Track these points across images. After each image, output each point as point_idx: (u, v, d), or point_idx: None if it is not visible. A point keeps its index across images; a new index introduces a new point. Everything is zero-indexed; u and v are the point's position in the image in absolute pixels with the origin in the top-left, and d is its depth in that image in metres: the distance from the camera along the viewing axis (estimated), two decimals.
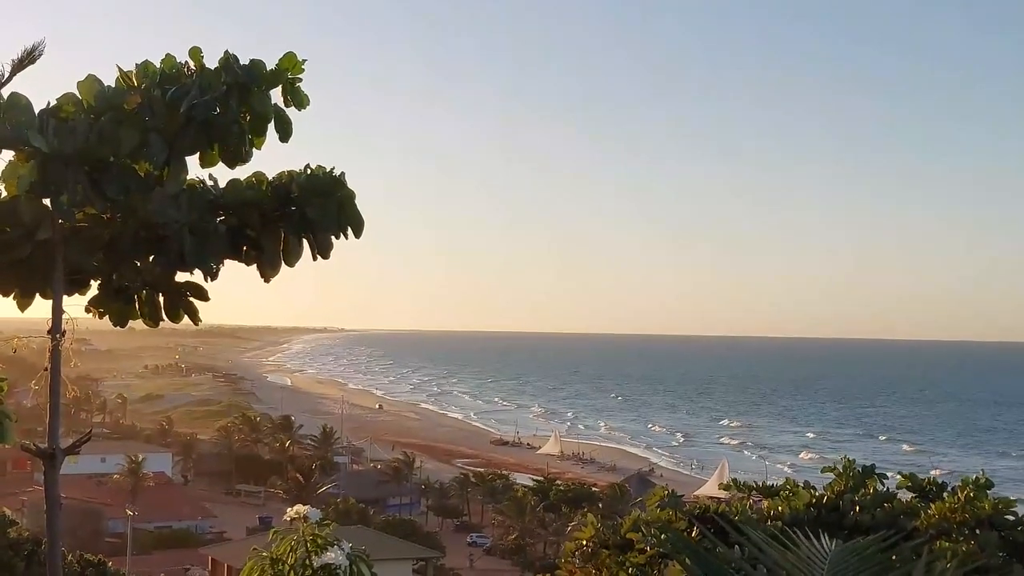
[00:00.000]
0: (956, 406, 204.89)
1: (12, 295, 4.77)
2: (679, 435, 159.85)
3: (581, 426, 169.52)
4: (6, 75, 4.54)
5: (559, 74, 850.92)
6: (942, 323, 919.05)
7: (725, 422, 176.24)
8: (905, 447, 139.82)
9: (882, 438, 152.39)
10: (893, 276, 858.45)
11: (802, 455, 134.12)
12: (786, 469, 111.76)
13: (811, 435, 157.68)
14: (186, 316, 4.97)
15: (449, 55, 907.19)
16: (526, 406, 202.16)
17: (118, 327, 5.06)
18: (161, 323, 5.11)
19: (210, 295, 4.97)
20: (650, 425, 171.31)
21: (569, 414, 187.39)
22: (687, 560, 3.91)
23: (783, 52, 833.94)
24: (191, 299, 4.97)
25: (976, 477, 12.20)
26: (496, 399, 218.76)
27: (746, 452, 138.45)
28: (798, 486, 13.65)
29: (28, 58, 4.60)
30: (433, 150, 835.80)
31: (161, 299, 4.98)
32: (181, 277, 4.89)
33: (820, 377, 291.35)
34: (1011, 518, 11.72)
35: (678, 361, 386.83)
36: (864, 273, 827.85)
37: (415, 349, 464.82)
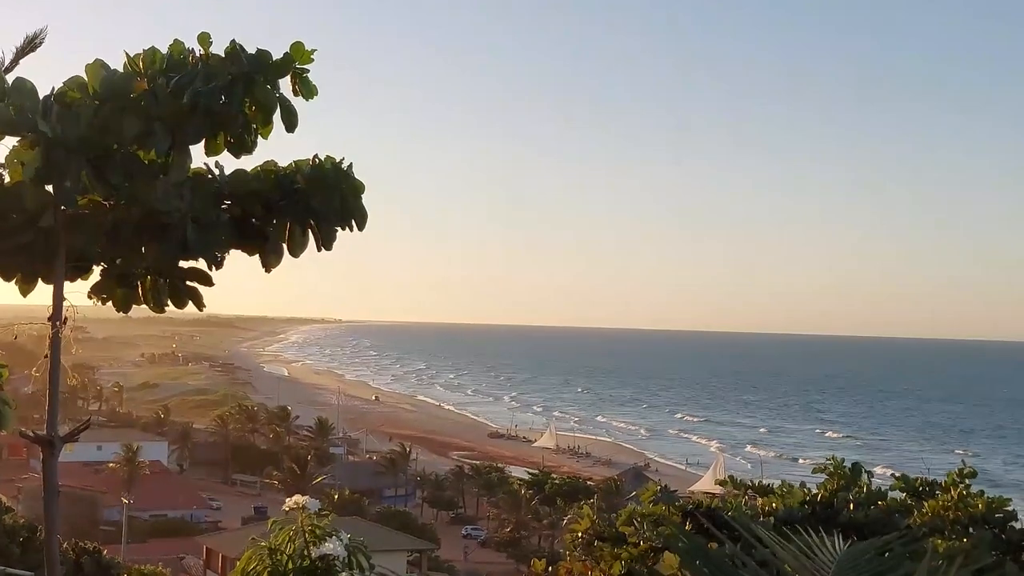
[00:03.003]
0: (915, 403, 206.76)
1: (14, 280, 4.79)
2: (636, 427, 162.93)
3: (555, 414, 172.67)
4: (8, 62, 4.56)
5: (566, 64, 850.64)
6: (925, 321, 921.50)
7: (680, 415, 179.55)
8: (856, 442, 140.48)
9: (832, 435, 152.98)
10: (886, 273, 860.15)
11: (748, 448, 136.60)
12: (745, 463, 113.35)
13: (763, 431, 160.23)
14: (190, 302, 4.99)
15: (455, 43, 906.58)
16: (499, 397, 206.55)
17: (122, 313, 5.08)
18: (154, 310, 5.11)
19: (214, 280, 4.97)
20: (601, 417, 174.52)
21: (537, 407, 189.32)
22: (683, 551, 3.90)
23: (797, 47, 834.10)
24: (195, 285, 4.99)
25: (961, 468, 12.29)
26: (470, 391, 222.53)
27: (700, 445, 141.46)
28: (792, 485, 13.74)
29: (30, 45, 4.61)
30: (435, 140, 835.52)
31: (165, 285, 4.99)
32: (185, 263, 4.90)
33: (789, 371, 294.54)
34: (1003, 516, 11.80)
35: (658, 355, 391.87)
36: (854, 271, 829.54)
37: (407, 341, 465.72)
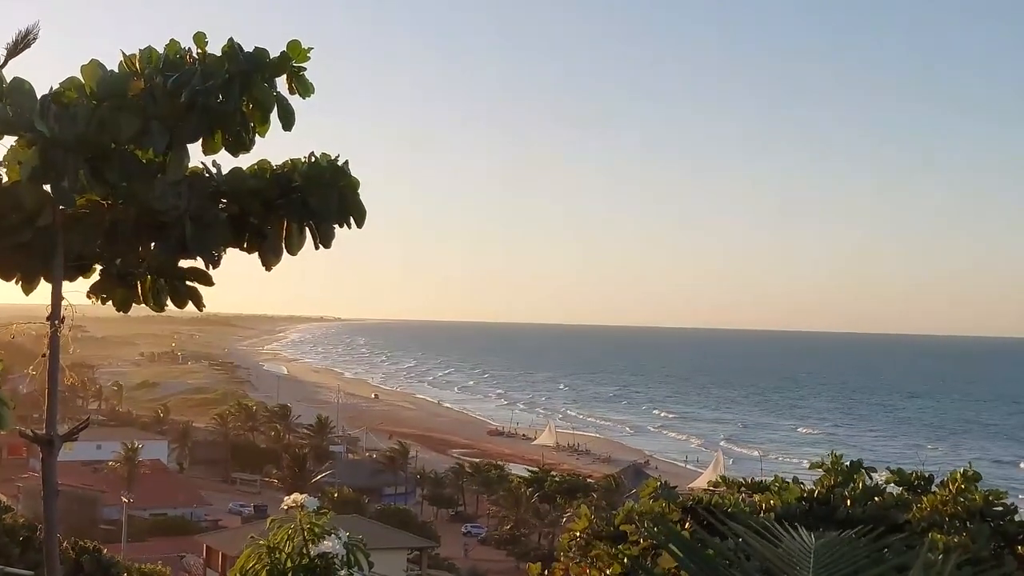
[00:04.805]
0: (899, 399, 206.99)
1: (15, 280, 4.80)
2: (615, 423, 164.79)
3: (538, 410, 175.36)
4: (1, 60, 4.56)
5: (565, 63, 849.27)
6: (919, 318, 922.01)
7: (658, 411, 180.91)
8: (831, 439, 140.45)
9: (805, 431, 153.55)
10: (881, 271, 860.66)
11: (723, 442, 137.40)
12: (725, 458, 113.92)
13: (739, 426, 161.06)
14: (190, 302, 5.00)
15: (456, 41, 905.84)
16: (487, 393, 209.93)
17: (121, 312, 5.08)
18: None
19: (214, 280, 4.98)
20: (579, 413, 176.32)
21: (521, 405, 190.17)
22: (677, 551, 3.92)
23: (789, 43, 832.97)
24: (195, 285, 4.99)
25: (964, 470, 12.30)
26: (456, 388, 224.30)
27: (678, 441, 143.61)
28: (787, 482, 13.75)
29: (23, 42, 4.60)
30: (435, 138, 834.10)
31: (165, 285, 5.00)
32: (185, 263, 4.91)
33: (777, 367, 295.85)
34: (1001, 509, 11.82)
35: (649, 351, 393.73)
36: (850, 269, 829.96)
37: (403, 339, 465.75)
